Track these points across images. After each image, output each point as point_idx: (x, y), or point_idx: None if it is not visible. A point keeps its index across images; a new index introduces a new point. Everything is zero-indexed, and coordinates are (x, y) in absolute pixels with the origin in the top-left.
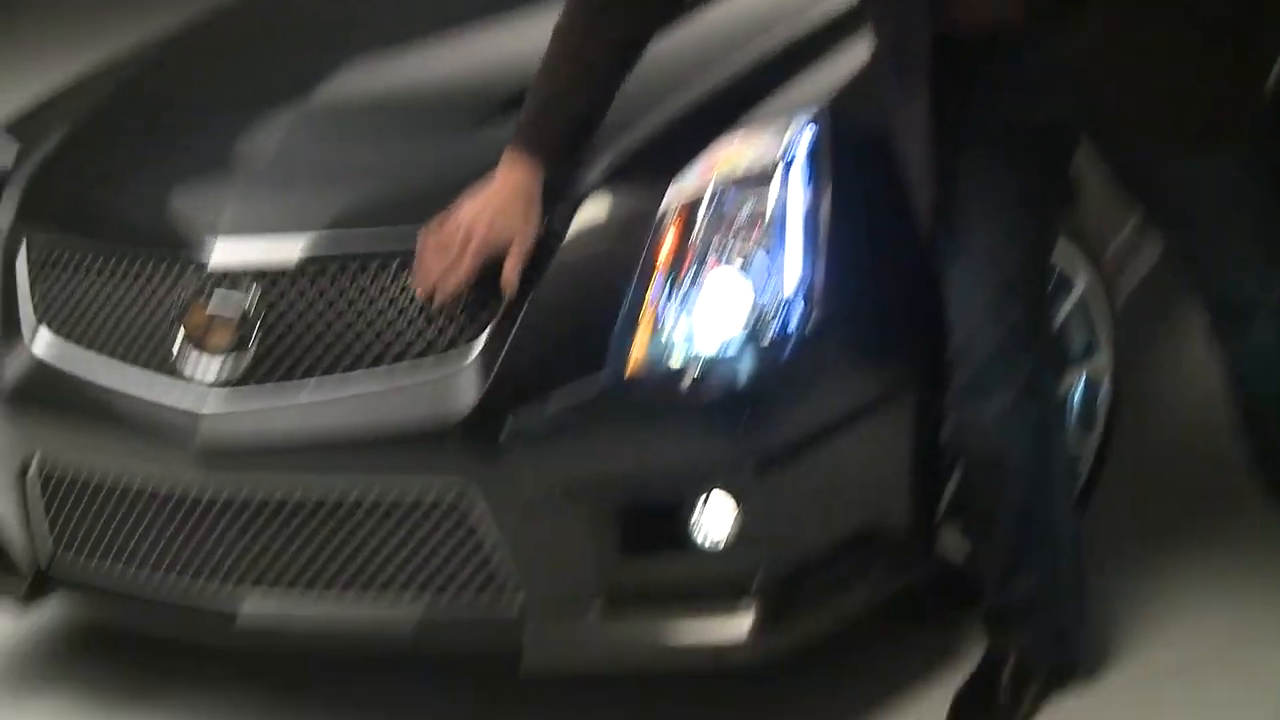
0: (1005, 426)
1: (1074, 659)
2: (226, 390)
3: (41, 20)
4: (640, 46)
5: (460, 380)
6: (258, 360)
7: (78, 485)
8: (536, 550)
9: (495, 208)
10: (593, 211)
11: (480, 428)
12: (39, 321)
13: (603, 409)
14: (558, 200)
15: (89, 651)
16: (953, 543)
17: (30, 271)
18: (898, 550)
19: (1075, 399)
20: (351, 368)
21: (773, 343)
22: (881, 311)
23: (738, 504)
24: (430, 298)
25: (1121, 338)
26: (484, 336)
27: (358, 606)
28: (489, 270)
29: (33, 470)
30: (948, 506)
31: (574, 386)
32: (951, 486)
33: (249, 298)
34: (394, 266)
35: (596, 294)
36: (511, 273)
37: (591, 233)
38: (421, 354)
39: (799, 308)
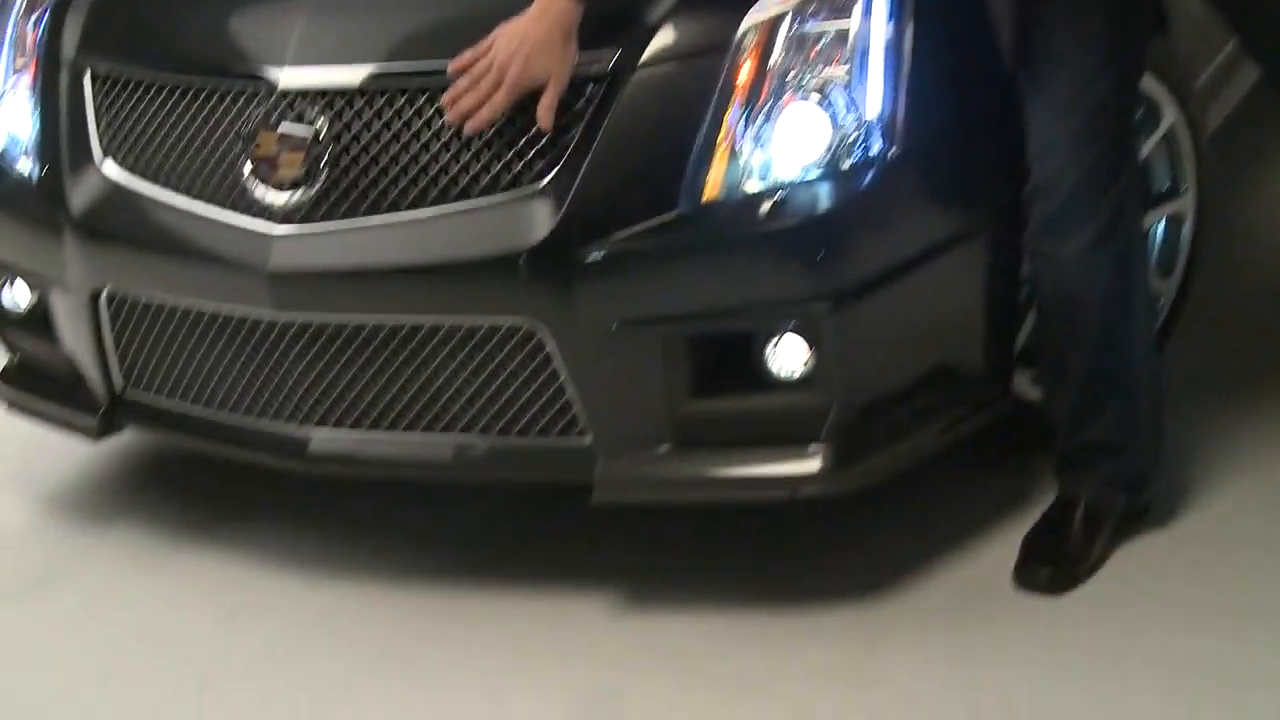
0: (1084, 264)
1: (1146, 503)
2: (297, 215)
3: None
4: None
5: (529, 213)
6: (327, 187)
7: (149, 313)
8: (606, 385)
9: (532, 44)
10: (665, 40)
11: (549, 262)
12: (105, 154)
13: (677, 238)
14: (629, 28)
15: (162, 480)
16: (1028, 383)
17: (94, 102)
18: (972, 390)
19: (1156, 238)
20: (422, 196)
21: (852, 171)
22: (962, 144)
23: (812, 338)
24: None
25: (1207, 175)
26: (555, 169)
27: (429, 435)
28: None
29: (104, 299)
30: (1024, 346)
31: (647, 216)
32: (1028, 325)
33: (318, 124)
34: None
35: (671, 124)
36: (546, 113)
37: (665, 62)
38: (491, 185)
39: (879, 136)
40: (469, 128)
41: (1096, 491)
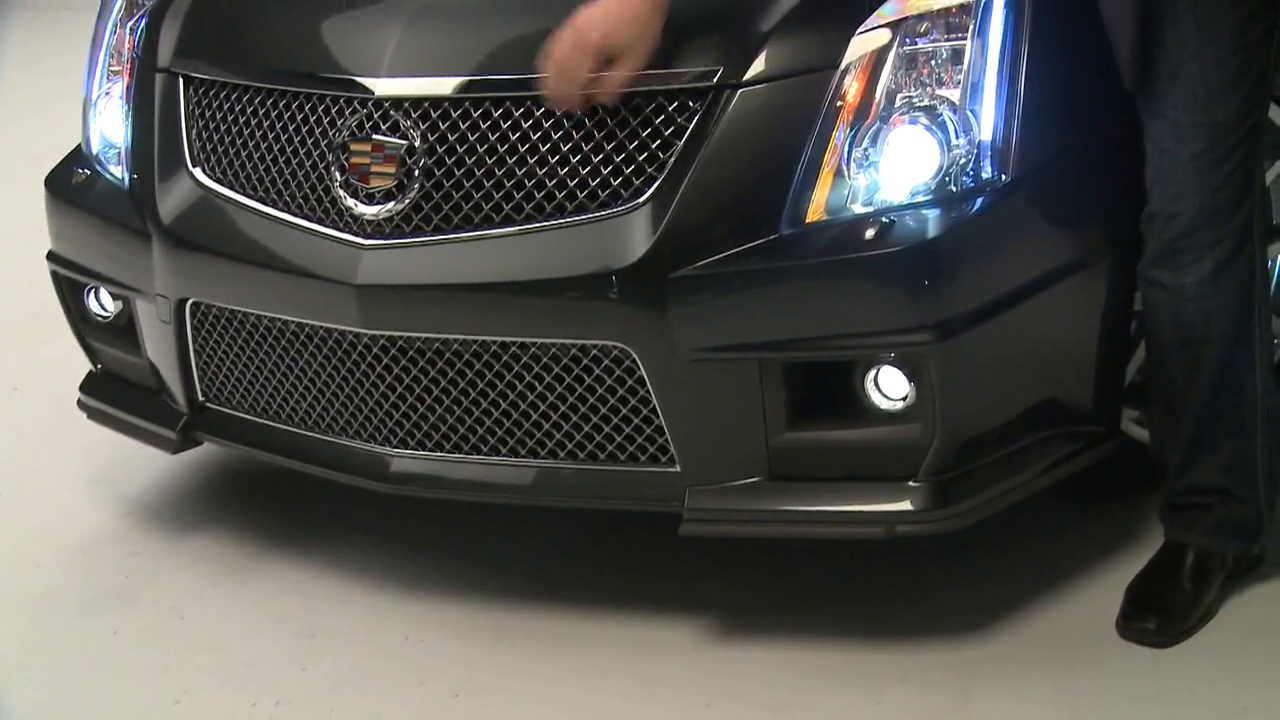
0: (1202, 296)
1: (1260, 552)
2: (387, 228)
3: None
4: None
5: (625, 232)
6: (419, 200)
7: (234, 324)
8: (698, 412)
9: (617, 14)
10: (770, 57)
11: (644, 283)
12: (195, 163)
13: (777, 261)
14: (733, 44)
15: (243, 492)
16: (1136, 421)
17: (187, 109)
18: (1079, 427)
19: (1278, 273)
20: (515, 212)
21: (961, 196)
22: (1078, 170)
23: (914, 370)
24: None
25: None
26: (653, 187)
27: (516, 457)
28: (654, 116)
29: (189, 308)
30: (1132, 380)
31: (747, 238)
32: (1137, 359)
33: (412, 135)
34: (562, 111)
35: (774, 143)
36: (611, 84)
37: (769, 79)
38: (587, 202)
39: (991, 161)
40: (556, 107)
41: (1207, 538)
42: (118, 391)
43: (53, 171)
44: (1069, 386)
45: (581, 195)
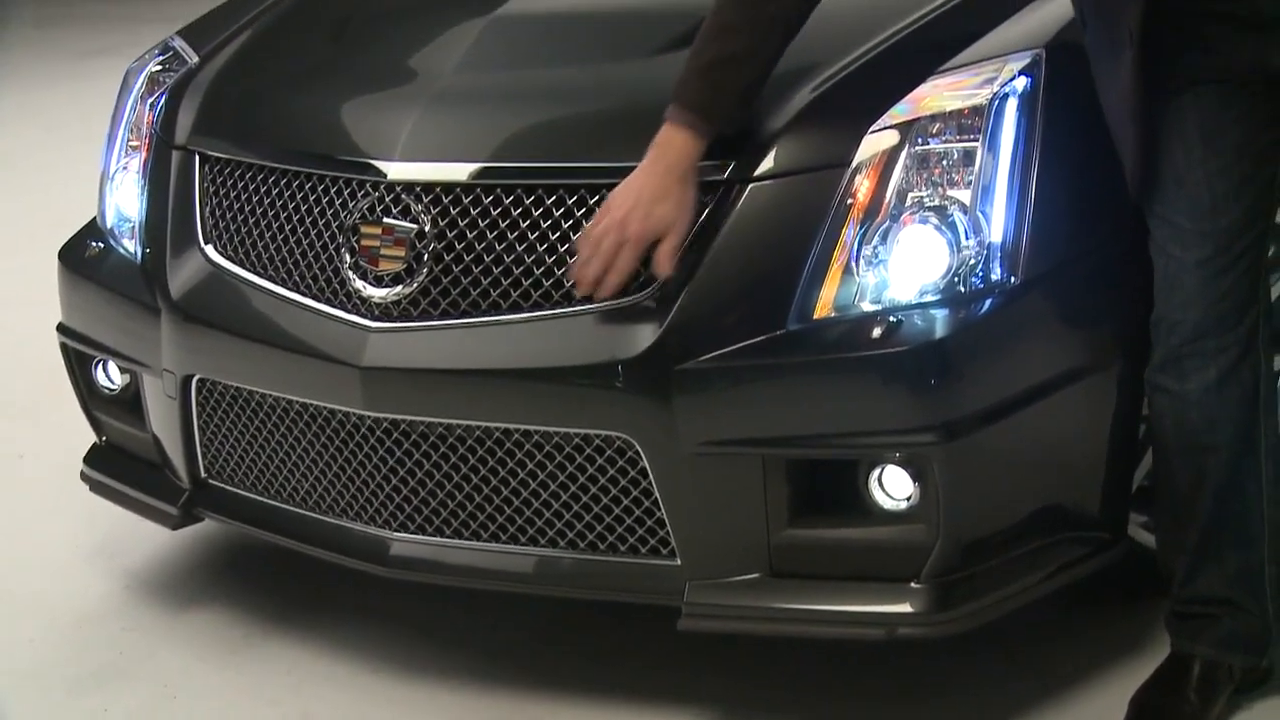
0: (1207, 404)
1: (1269, 666)
2: (395, 311)
3: None
4: None
5: (632, 323)
6: (427, 285)
7: (238, 402)
8: (700, 506)
9: (650, 198)
10: (781, 153)
11: (648, 374)
12: (207, 240)
13: (783, 357)
14: (744, 139)
15: (242, 568)
16: (1142, 527)
17: (201, 186)
18: (1085, 532)
19: None
20: (523, 299)
21: (970, 297)
22: (1086, 274)
23: (918, 471)
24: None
25: None
26: (660, 278)
27: (516, 545)
28: None
29: (194, 385)
30: (1139, 488)
31: (754, 333)
32: (1145, 465)
33: (423, 219)
34: (571, 200)
35: (783, 239)
36: (665, 260)
37: (780, 175)
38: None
39: (1000, 263)
40: (599, 295)
41: (1213, 650)
42: (121, 465)
43: (67, 244)
44: (1075, 491)
45: None
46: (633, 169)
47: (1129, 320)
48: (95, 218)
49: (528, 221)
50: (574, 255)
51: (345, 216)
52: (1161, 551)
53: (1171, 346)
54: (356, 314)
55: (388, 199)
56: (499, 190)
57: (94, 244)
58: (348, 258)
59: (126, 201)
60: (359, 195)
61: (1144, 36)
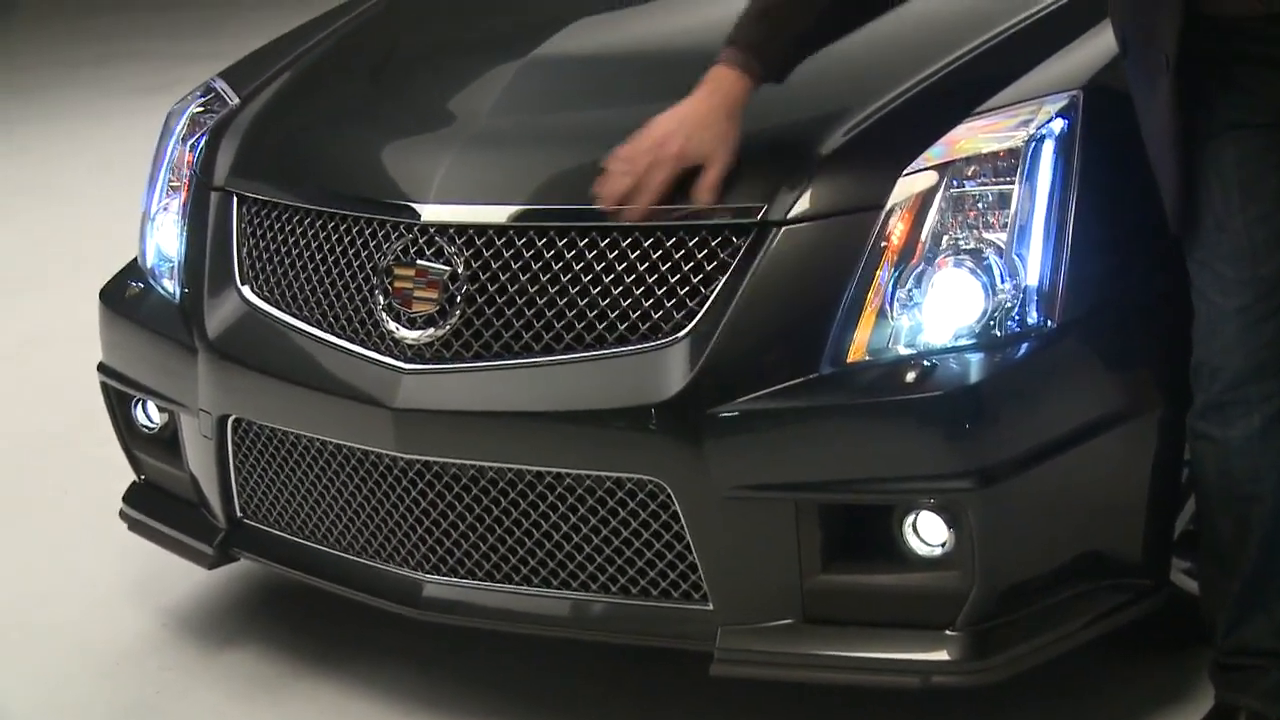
0: (1250, 452)
1: None
2: (428, 353)
3: None
4: None
5: (664, 366)
6: (459, 327)
7: (273, 442)
8: (733, 550)
9: (693, 123)
10: (816, 194)
11: (680, 417)
12: (243, 280)
13: (816, 401)
14: (778, 181)
15: (278, 607)
16: (1188, 573)
17: (239, 226)
18: (1125, 579)
19: None
20: (555, 342)
21: (1006, 341)
22: (1125, 318)
23: (953, 517)
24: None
25: None
26: (694, 321)
27: (548, 588)
28: (696, 251)
29: (230, 424)
30: (1183, 533)
31: (786, 376)
32: (1188, 511)
33: (456, 261)
34: (604, 243)
35: (817, 281)
36: (707, 191)
37: (814, 217)
38: (627, 335)
39: (1036, 307)
40: (626, 215)
41: (1260, 702)
42: (158, 503)
43: (108, 284)
44: (1115, 537)
45: (622, 327)
46: (661, 211)
47: (1170, 363)
48: (136, 258)
49: (560, 264)
50: (606, 298)
51: (379, 258)
52: (1205, 600)
53: (1213, 393)
54: (390, 355)
55: (421, 241)
56: (532, 232)
57: (134, 284)
58: (381, 299)
59: (166, 242)
60: (393, 237)
61: (1180, 63)
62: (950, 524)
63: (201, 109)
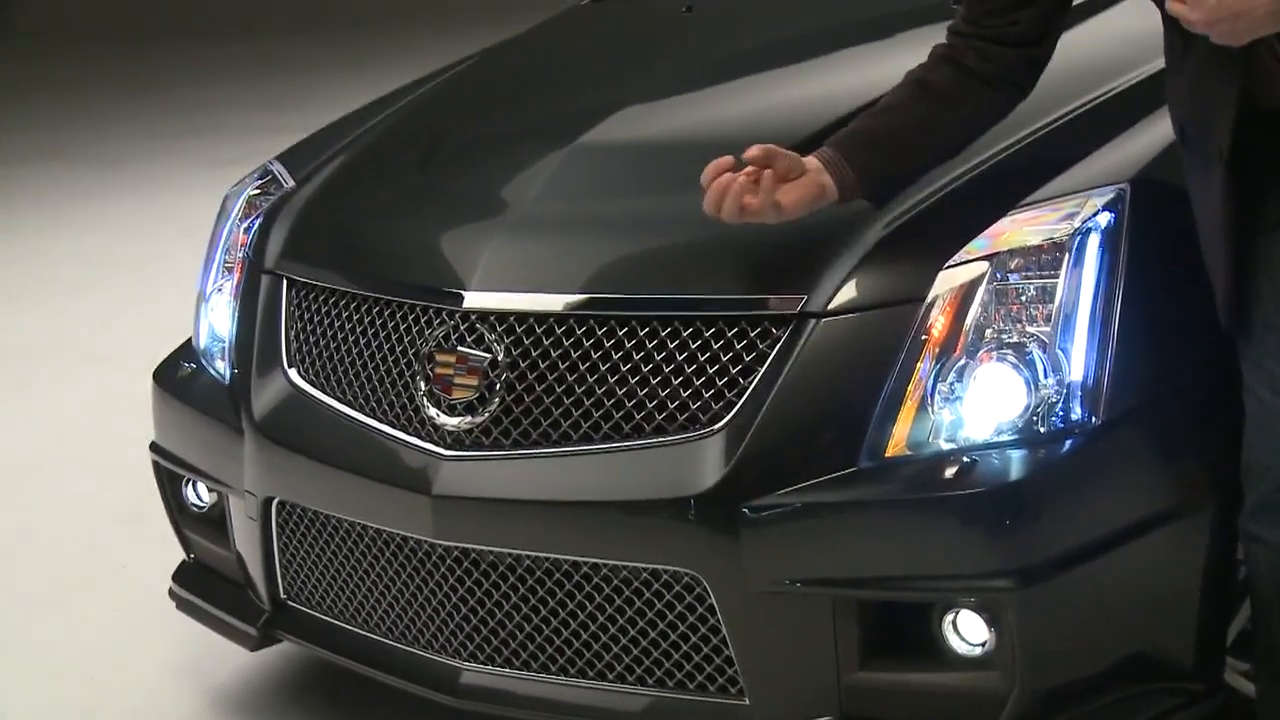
0: None
1: None
2: (467, 440)
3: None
4: (985, 85)
5: (701, 457)
6: (499, 414)
7: (316, 525)
8: (769, 645)
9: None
10: (856, 286)
11: (717, 510)
12: (290, 363)
13: (854, 495)
14: (818, 272)
15: (323, 690)
16: (1246, 675)
17: (287, 309)
18: (1176, 682)
19: None
20: (593, 431)
21: (1049, 437)
22: (1172, 415)
23: (993, 616)
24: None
25: None
26: (732, 413)
27: (585, 679)
28: (735, 341)
29: (274, 506)
30: (1240, 633)
31: (825, 470)
32: (1246, 610)
33: (496, 349)
34: (643, 332)
35: (856, 374)
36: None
37: (854, 309)
38: (664, 425)
39: (1080, 402)
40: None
41: None
42: (206, 583)
43: (162, 364)
44: (1164, 639)
45: (660, 417)
46: (706, 301)
47: (1222, 461)
48: (190, 338)
49: (599, 353)
50: (644, 387)
51: (421, 344)
52: (1262, 705)
53: (1263, 493)
54: (430, 441)
55: (462, 327)
56: (572, 321)
57: (186, 364)
58: (423, 385)
59: (220, 323)
60: (435, 323)
61: (1234, 156)
62: (990, 623)
63: (258, 191)
